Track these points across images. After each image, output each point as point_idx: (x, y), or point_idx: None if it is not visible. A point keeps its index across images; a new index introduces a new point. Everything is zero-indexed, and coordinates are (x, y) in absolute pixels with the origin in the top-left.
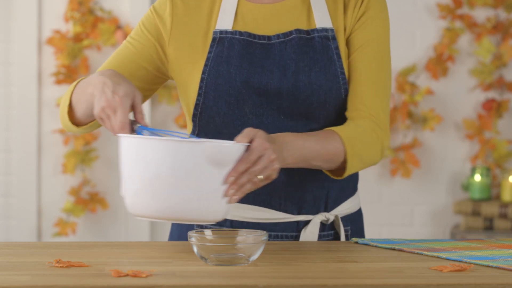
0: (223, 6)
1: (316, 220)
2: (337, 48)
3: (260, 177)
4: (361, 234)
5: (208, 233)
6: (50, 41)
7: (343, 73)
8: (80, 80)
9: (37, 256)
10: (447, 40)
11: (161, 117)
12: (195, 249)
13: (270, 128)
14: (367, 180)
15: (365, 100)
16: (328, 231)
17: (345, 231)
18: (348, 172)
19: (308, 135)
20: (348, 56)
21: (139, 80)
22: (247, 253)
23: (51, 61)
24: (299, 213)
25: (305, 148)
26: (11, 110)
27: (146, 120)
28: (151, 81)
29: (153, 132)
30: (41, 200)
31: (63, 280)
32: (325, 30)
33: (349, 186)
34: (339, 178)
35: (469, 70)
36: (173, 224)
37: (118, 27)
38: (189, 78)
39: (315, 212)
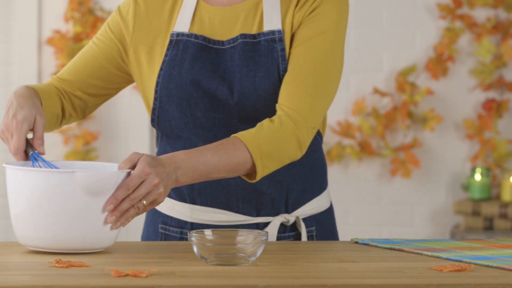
0: (183, 8)
1: (275, 222)
2: (283, 50)
3: (144, 202)
4: (330, 234)
5: (208, 233)
6: (50, 41)
7: None
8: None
9: (37, 256)
10: (447, 40)
11: None
12: (195, 249)
13: (223, 131)
14: (367, 180)
15: (287, 95)
16: (289, 233)
17: (310, 231)
18: (261, 174)
19: (206, 148)
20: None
21: (101, 79)
22: (247, 253)
23: (51, 61)
24: (258, 215)
25: (200, 164)
26: None
27: (43, 147)
28: (114, 80)
29: (45, 161)
30: None
31: (63, 280)
32: (272, 32)
33: (314, 186)
34: (253, 181)
35: (469, 70)
36: (144, 224)
37: None
38: (147, 82)
39: (275, 213)
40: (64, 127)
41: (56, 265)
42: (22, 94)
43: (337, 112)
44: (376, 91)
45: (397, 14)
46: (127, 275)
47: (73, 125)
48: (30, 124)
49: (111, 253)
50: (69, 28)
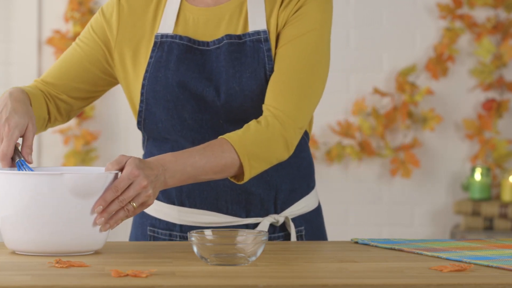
0: (166, 9)
1: (265, 223)
2: (269, 50)
3: (134, 204)
4: (319, 233)
5: (208, 233)
6: (50, 41)
7: None
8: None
9: (37, 256)
10: (447, 40)
11: None
12: (195, 249)
13: (211, 132)
14: (367, 180)
15: (273, 95)
16: (279, 233)
17: (299, 231)
18: (248, 175)
19: (194, 150)
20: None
21: (86, 83)
22: (247, 253)
23: (51, 61)
24: (247, 216)
25: (187, 166)
26: None
27: (31, 156)
28: (99, 83)
29: (31, 169)
30: None
31: (63, 280)
32: (257, 33)
33: (302, 186)
34: (241, 182)
35: (469, 70)
36: (132, 226)
37: None
38: (132, 84)
39: (264, 214)
40: (64, 126)
41: (56, 265)
42: (17, 98)
43: (337, 112)
44: (376, 91)
45: (397, 14)
46: (127, 275)
47: (73, 125)
48: (22, 131)
49: (110, 253)
50: (69, 28)
